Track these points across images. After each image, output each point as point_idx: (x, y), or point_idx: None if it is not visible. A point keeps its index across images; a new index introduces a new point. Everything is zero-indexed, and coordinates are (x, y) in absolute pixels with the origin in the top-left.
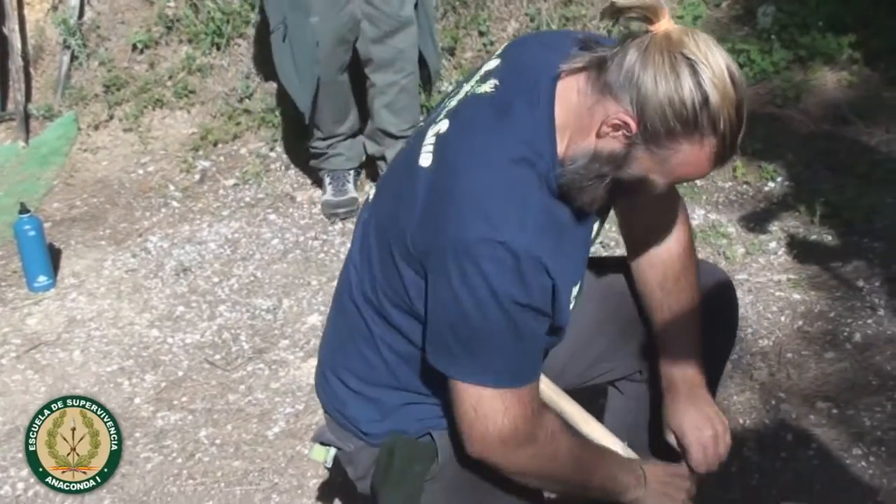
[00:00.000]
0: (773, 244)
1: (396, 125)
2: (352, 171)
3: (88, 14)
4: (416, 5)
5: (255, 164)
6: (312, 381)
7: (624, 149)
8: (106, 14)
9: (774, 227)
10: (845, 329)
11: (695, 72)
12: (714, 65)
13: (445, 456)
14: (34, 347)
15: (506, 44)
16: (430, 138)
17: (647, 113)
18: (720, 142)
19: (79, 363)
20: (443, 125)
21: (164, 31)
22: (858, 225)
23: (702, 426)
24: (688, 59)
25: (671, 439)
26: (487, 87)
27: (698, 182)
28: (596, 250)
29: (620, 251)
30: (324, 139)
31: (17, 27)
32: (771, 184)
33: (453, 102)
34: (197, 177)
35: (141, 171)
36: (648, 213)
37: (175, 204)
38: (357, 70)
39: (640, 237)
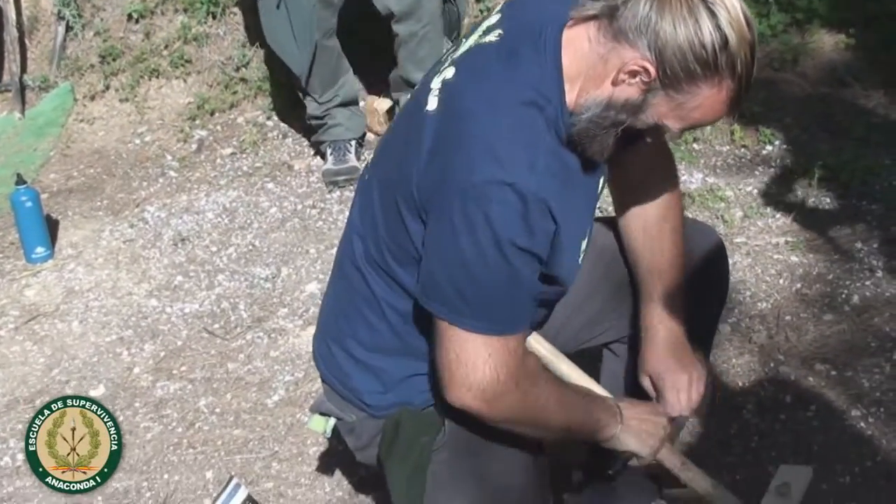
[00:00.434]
0: (770, 207)
1: (417, 75)
2: (353, 142)
3: None
4: None
5: (252, 133)
6: (311, 349)
7: (641, 95)
8: None
9: (772, 190)
10: (843, 291)
11: (713, 14)
12: (730, 6)
13: (451, 426)
14: (32, 319)
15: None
16: (436, 84)
17: (665, 57)
18: (737, 84)
19: (77, 334)
20: (448, 72)
21: (159, 1)
22: (856, 187)
23: (677, 370)
24: (704, 1)
25: (646, 383)
26: (492, 37)
27: (696, 146)
28: None
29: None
30: (318, 104)
31: None
32: (769, 147)
33: (458, 54)
34: (194, 146)
35: (138, 142)
36: (637, 171)
37: (172, 174)
38: (364, 35)
39: (629, 192)
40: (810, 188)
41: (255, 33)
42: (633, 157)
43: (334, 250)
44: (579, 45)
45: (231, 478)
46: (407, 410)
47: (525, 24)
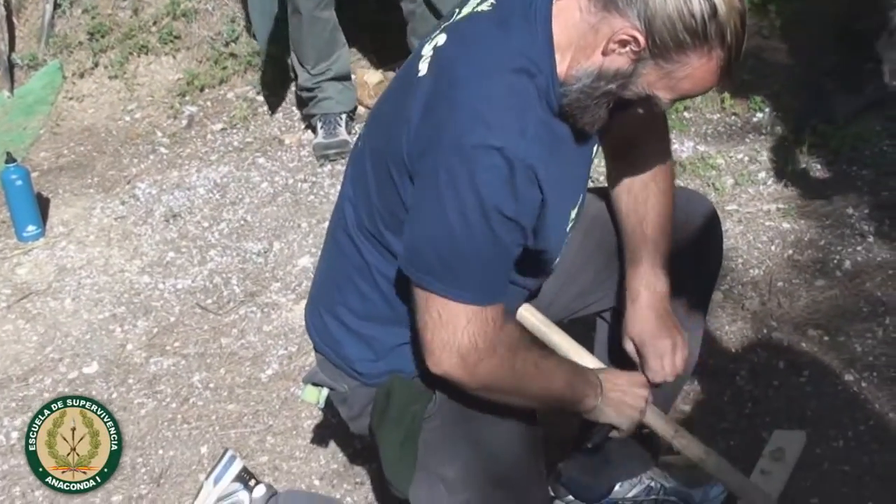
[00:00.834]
0: (762, 174)
1: None
2: (343, 115)
3: None
4: None
5: (242, 109)
6: (304, 320)
7: (631, 65)
8: None
9: (763, 157)
10: (835, 256)
11: None
12: None
13: (442, 394)
14: (25, 297)
15: None
16: (427, 51)
17: (655, 27)
18: (727, 53)
19: (70, 311)
20: (440, 39)
21: None
22: (846, 153)
23: (660, 336)
24: None
25: (629, 347)
26: (485, 6)
27: (687, 114)
28: None
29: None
30: (310, 76)
31: None
32: (759, 115)
33: (450, 22)
34: (184, 122)
35: (128, 118)
36: (629, 134)
37: (163, 150)
38: (352, 9)
39: (619, 158)
40: (801, 155)
41: (243, 8)
42: (624, 123)
43: (326, 224)
44: (570, 14)
45: (226, 451)
46: (398, 379)
47: None
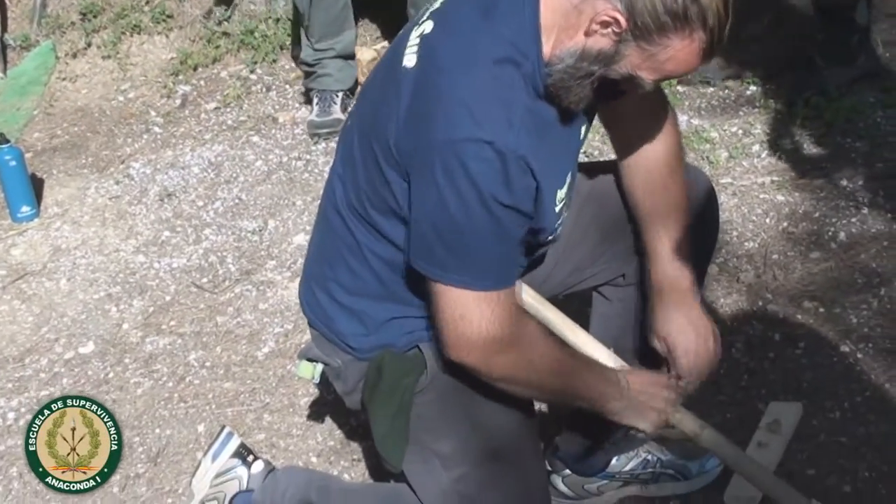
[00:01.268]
0: (756, 147)
1: None
2: (340, 93)
3: None
4: None
5: (235, 87)
6: (299, 302)
7: (613, 46)
8: None
9: (757, 130)
10: (830, 228)
11: None
12: None
13: (434, 368)
14: (20, 278)
15: None
16: (413, 39)
17: (636, 9)
18: (709, 35)
19: (65, 291)
20: (427, 26)
21: None
22: (840, 125)
23: (689, 333)
24: None
25: (658, 346)
26: None
27: (680, 88)
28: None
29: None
30: (312, 50)
31: None
32: (752, 88)
33: (437, 6)
34: (178, 102)
35: (121, 98)
36: (634, 118)
37: (157, 129)
38: None
39: (627, 143)
40: (795, 127)
41: None
42: (628, 107)
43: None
44: None
45: (223, 427)
46: (389, 353)
47: None
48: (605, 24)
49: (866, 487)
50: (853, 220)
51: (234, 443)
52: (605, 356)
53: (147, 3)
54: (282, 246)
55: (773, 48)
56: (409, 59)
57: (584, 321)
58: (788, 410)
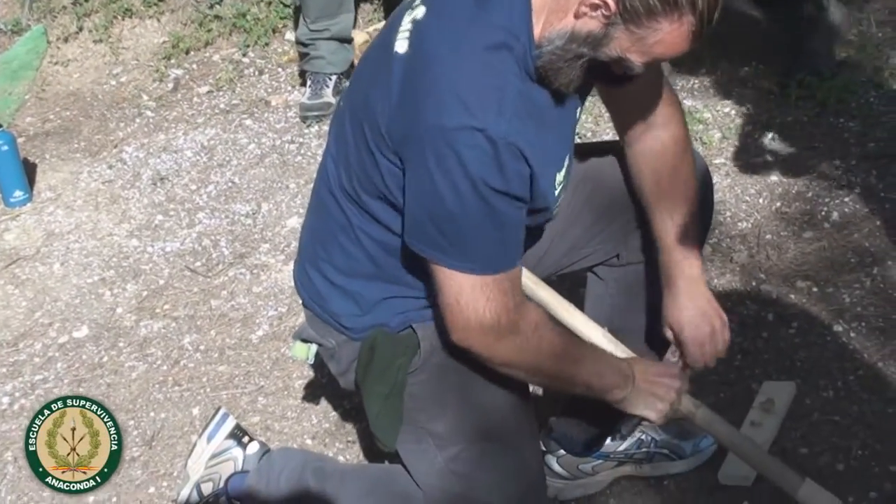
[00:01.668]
0: (748, 128)
1: None
2: (333, 77)
3: None
4: None
5: (228, 71)
6: (294, 283)
7: (602, 29)
8: None
9: (750, 110)
10: (823, 208)
11: None
12: None
13: (427, 348)
14: (13, 262)
15: None
16: (406, 24)
17: None
18: (698, 19)
19: (59, 276)
20: (419, 11)
21: None
22: (833, 105)
23: (699, 323)
24: None
25: (669, 334)
26: None
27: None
28: None
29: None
30: (307, 30)
31: None
32: (745, 68)
33: None
34: (170, 85)
35: (113, 82)
36: (639, 103)
37: (149, 113)
38: None
39: (633, 128)
40: (787, 107)
41: None
42: (633, 92)
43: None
44: None
45: (218, 409)
46: (382, 332)
47: None
48: (594, 7)
49: (859, 465)
50: (846, 199)
51: (230, 424)
52: (599, 337)
53: None
54: (275, 229)
55: (765, 28)
56: (401, 45)
57: (578, 301)
58: (782, 390)
